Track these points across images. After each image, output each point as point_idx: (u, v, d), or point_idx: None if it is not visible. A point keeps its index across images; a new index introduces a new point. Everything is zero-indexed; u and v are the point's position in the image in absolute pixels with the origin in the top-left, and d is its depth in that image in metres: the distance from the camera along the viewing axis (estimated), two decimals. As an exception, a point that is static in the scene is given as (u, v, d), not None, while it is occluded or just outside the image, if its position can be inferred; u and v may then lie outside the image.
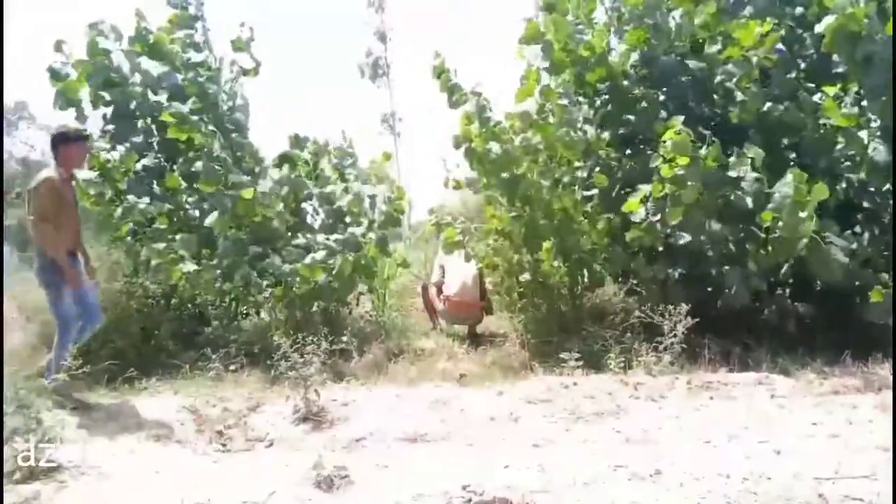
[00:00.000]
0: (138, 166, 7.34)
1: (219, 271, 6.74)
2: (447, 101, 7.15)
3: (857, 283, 6.11)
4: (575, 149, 6.88)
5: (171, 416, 5.01)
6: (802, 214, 5.72)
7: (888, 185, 6.23)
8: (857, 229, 6.46)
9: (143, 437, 4.64)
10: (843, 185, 6.51)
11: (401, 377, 6.23)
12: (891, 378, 5.34)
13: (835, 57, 6.63)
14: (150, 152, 7.59)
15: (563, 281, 7.02)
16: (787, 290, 6.73)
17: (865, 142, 6.17)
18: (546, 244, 6.79)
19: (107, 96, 7.48)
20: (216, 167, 6.92)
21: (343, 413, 5.04)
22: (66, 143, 5.27)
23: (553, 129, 6.77)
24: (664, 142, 6.17)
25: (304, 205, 8.08)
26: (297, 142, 8.43)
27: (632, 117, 7.06)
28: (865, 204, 6.48)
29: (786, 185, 5.80)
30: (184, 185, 7.25)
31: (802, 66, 7.14)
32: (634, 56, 7.16)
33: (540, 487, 3.66)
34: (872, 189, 6.39)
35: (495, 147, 6.78)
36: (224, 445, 4.56)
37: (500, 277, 7.37)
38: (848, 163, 6.36)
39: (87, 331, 5.32)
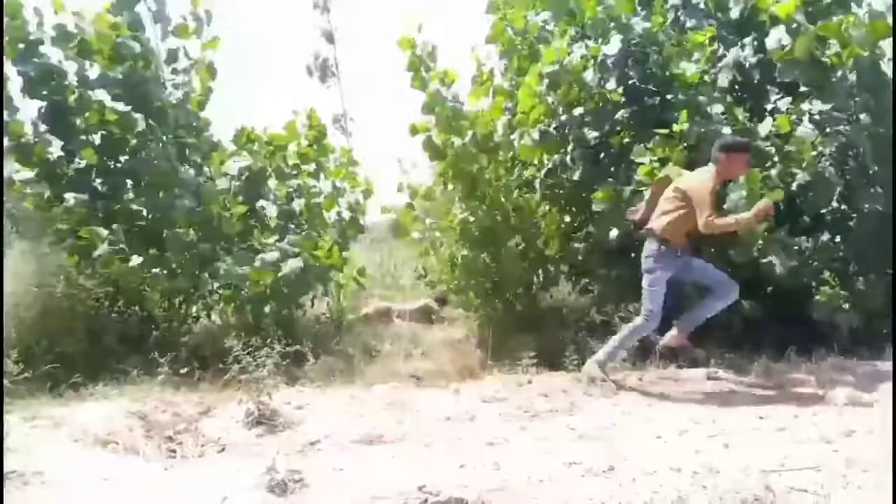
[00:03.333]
0: (79, 165, 7.07)
1: (165, 270, 6.56)
2: (410, 81, 7.05)
3: (803, 282, 6.31)
4: (536, 148, 6.95)
5: (118, 422, 4.84)
6: None
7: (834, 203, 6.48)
8: (804, 231, 6.68)
9: (90, 444, 4.48)
10: (794, 188, 6.70)
11: (356, 379, 6.18)
12: (834, 373, 5.53)
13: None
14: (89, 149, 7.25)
15: (520, 280, 7.07)
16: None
17: (815, 162, 6.34)
18: (507, 245, 6.82)
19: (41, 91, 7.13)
20: (159, 165, 6.72)
21: (297, 416, 4.97)
22: (732, 151, 5.39)
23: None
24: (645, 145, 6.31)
25: (263, 202, 7.93)
26: (248, 135, 8.18)
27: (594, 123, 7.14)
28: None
29: (740, 187, 5.95)
30: (129, 183, 7.04)
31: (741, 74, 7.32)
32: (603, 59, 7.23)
33: (495, 486, 3.67)
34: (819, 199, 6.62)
35: (456, 140, 6.78)
36: (174, 451, 4.44)
37: (457, 276, 7.38)
38: (799, 175, 6.52)
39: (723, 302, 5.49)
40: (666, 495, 3.49)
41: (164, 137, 7.18)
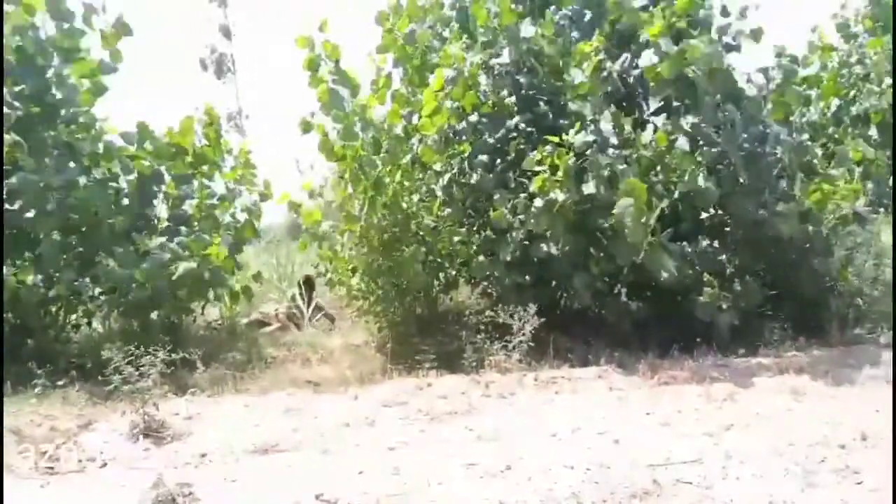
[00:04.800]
0: None
1: (40, 276, 6.13)
2: (309, 80, 6.91)
3: (684, 284, 6.66)
4: (440, 154, 6.99)
5: (-13, 438, 4.50)
6: (643, 221, 6.15)
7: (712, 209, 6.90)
8: (685, 236, 7.06)
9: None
10: (675, 196, 7.06)
11: (251, 386, 6.00)
12: (714, 369, 5.85)
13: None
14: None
15: (421, 284, 7.07)
16: (624, 291, 7.20)
17: (696, 176, 6.70)
18: (407, 249, 6.81)
19: None
20: (34, 179, 6.26)
21: (186, 427, 4.77)
22: None
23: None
24: (537, 152, 6.45)
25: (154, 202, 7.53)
26: (144, 132, 7.72)
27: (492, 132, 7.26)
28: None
29: (626, 194, 6.20)
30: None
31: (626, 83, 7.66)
32: (495, 66, 7.36)
33: (394, 491, 3.66)
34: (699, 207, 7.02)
35: (354, 143, 6.72)
36: (52, 467, 4.16)
37: (358, 281, 7.30)
38: (682, 189, 6.87)
39: None
40: (561, 492, 3.59)
41: (49, 133, 6.70)
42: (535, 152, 6.60)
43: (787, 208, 6.81)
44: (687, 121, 6.83)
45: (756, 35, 7.18)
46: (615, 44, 7.38)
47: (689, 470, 3.82)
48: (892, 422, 4.16)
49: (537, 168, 6.51)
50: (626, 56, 7.36)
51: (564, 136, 6.53)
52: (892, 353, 5.87)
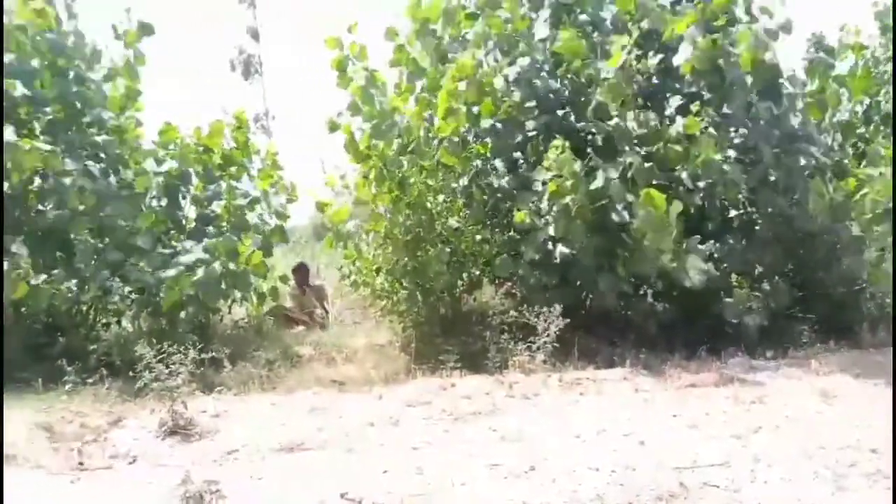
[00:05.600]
0: None
1: (74, 280, 6.24)
2: (337, 80, 6.95)
3: (712, 285, 6.58)
4: (458, 156, 7.00)
5: (21, 434, 4.58)
6: (666, 231, 6.10)
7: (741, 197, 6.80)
8: (712, 235, 6.98)
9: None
10: (701, 194, 6.99)
11: (277, 385, 6.05)
12: (742, 371, 5.78)
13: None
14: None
15: (444, 284, 7.08)
16: (650, 292, 7.15)
17: (722, 164, 6.63)
18: (431, 249, 6.82)
19: None
20: (64, 182, 6.37)
21: (213, 425, 4.82)
22: None
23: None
24: (545, 157, 6.41)
25: (182, 203, 7.63)
26: (172, 134, 7.84)
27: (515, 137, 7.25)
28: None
29: (646, 204, 6.16)
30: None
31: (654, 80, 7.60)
32: (510, 72, 7.34)
33: (418, 490, 3.66)
34: (726, 201, 6.92)
35: (381, 143, 6.75)
36: (82, 464, 4.23)
37: (382, 281, 7.32)
38: (708, 180, 6.80)
39: None
40: (585, 494, 3.56)
41: (77, 136, 6.82)
42: (542, 165, 6.58)
43: (818, 206, 6.70)
44: (719, 113, 6.77)
45: (786, 28, 7.08)
46: (640, 43, 7.33)
47: (717, 473, 3.77)
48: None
49: (546, 175, 6.48)
50: (651, 54, 7.32)
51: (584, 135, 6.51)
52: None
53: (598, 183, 6.39)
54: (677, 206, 6.12)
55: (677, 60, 6.90)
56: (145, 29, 7.48)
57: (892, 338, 6.19)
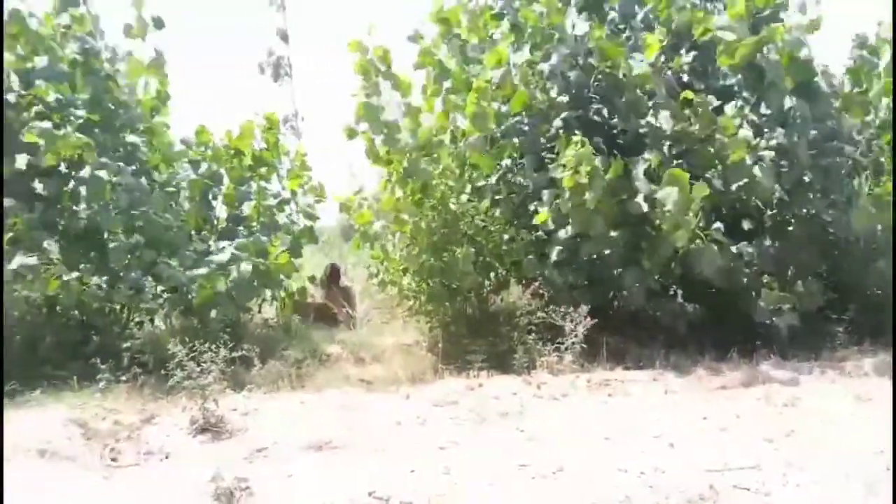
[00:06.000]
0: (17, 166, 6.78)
1: (105, 277, 6.36)
2: (360, 85, 6.99)
3: (742, 285, 6.49)
4: (485, 156, 7.00)
5: (56, 430, 4.67)
6: (687, 209, 6.03)
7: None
8: (746, 235, 6.88)
9: (26, 454, 4.31)
10: (733, 195, 6.90)
11: (306, 384, 6.10)
12: (774, 373, 5.69)
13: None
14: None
15: (471, 284, 7.08)
16: (680, 292, 7.08)
17: (752, 167, 6.53)
18: (459, 250, 6.83)
19: None
20: (99, 177, 6.49)
21: (244, 423, 4.88)
22: None
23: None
24: (562, 153, 6.38)
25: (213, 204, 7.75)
26: (203, 135, 7.96)
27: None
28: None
29: (670, 184, 6.10)
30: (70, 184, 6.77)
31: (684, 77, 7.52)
32: (542, 67, 7.32)
33: (445, 490, 3.67)
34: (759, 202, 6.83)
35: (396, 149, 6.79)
36: (115, 460, 4.31)
37: (409, 281, 7.36)
38: (741, 182, 6.70)
39: None
40: (613, 495, 3.54)
41: (108, 136, 6.94)
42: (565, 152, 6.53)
43: (855, 207, 6.57)
44: (754, 112, 6.68)
45: (814, 26, 6.97)
46: (672, 40, 7.26)
47: (748, 476, 3.72)
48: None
49: (563, 172, 6.44)
50: (683, 52, 7.25)
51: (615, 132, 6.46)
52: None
53: (615, 173, 6.32)
54: (702, 189, 6.03)
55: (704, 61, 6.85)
56: (157, 23, 7.58)
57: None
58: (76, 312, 6.87)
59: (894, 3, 6.74)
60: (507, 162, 7.42)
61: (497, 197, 7.32)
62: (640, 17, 7.79)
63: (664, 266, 6.63)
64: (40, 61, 6.79)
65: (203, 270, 6.50)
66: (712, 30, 6.68)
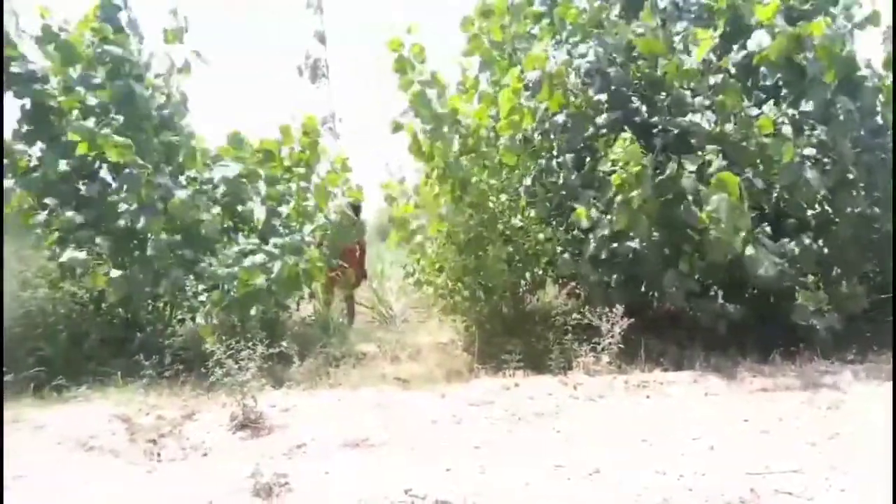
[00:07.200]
0: (61, 169, 6.96)
1: (148, 275, 6.51)
2: (398, 83, 7.03)
3: (785, 285, 6.35)
4: (519, 155, 6.98)
5: (101, 425, 4.81)
6: (738, 215, 5.92)
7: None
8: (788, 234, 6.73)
9: (72, 447, 4.45)
10: (775, 195, 6.76)
11: (343, 381, 6.16)
12: (818, 375, 5.57)
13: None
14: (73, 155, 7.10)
15: (507, 283, 7.06)
16: (719, 292, 6.95)
17: (800, 167, 6.38)
18: (493, 249, 6.82)
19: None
20: (138, 175, 6.64)
21: (282, 419, 4.95)
22: None
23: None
24: (610, 151, 6.32)
25: (251, 204, 7.87)
26: (237, 140, 8.10)
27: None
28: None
29: (719, 189, 5.99)
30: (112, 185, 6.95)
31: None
32: (582, 64, 7.26)
33: (480, 489, 3.67)
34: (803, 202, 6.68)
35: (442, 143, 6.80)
36: (157, 455, 4.41)
37: (444, 280, 7.36)
38: (784, 183, 6.56)
39: None
40: (651, 498, 3.50)
41: (153, 141, 7.09)
42: (612, 150, 6.46)
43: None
44: (796, 109, 6.54)
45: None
46: (724, 35, 7.14)
47: (790, 480, 3.65)
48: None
49: (612, 168, 6.37)
50: (731, 47, 7.13)
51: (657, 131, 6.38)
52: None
53: (667, 173, 6.24)
54: (757, 198, 5.94)
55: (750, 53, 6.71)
56: (177, 34, 7.69)
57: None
58: (121, 310, 7.04)
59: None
60: (542, 161, 7.37)
61: (532, 199, 7.28)
62: (693, 10, 7.67)
63: (708, 269, 6.52)
64: (76, 70, 6.98)
65: (245, 266, 6.61)
66: (771, 17, 6.51)
